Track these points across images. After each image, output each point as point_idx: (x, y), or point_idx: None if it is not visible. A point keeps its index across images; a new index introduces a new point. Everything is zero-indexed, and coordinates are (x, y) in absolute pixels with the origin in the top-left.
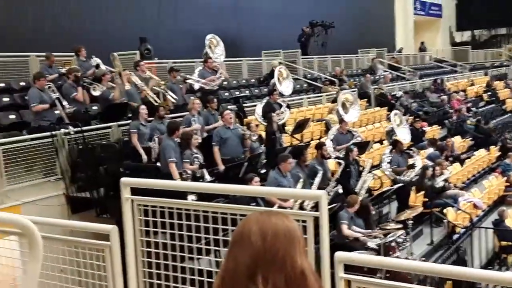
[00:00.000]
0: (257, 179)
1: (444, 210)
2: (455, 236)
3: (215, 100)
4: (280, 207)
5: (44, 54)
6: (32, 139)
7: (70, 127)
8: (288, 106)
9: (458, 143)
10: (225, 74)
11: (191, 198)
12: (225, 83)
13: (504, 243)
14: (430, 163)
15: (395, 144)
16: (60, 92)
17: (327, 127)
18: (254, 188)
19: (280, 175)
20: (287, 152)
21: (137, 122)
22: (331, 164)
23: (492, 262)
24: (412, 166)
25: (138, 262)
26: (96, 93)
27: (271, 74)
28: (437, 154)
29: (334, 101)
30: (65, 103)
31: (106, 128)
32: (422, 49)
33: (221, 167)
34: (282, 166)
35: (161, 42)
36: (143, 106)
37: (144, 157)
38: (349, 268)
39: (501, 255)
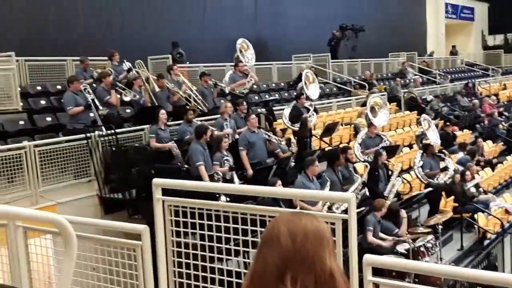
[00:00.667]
0: (279, 182)
1: (475, 216)
2: (486, 242)
3: (245, 103)
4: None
5: (79, 58)
6: (67, 141)
7: (104, 129)
8: (316, 110)
9: (490, 147)
10: (255, 77)
11: (223, 199)
12: (255, 86)
13: None
14: (460, 168)
15: (426, 147)
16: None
17: (356, 131)
18: (285, 190)
19: (307, 180)
20: (315, 156)
21: (155, 127)
22: (359, 167)
23: None
24: (446, 169)
25: (168, 261)
26: (127, 98)
27: (299, 78)
28: (468, 158)
29: (364, 104)
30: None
31: (139, 131)
32: (454, 52)
33: (250, 171)
34: (309, 170)
35: (193, 47)
36: (162, 111)
37: (175, 150)
38: (378, 272)
39: None
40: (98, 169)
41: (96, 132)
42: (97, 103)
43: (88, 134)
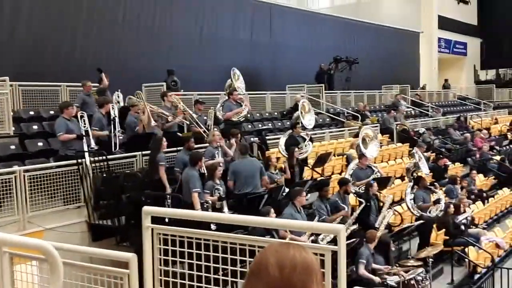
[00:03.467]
0: (273, 211)
1: (466, 249)
2: (477, 276)
3: (239, 134)
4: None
5: (74, 83)
6: (57, 167)
7: (96, 155)
8: (311, 140)
9: (481, 181)
10: (249, 106)
11: (212, 227)
12: (248, 115)
13: None
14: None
15: (419, 180)
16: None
17: (348, 162)
18: (274, 220)
19: (295, 211)
20: (307, 186)
21: (163, 154)
22: (351, 199)
23: None
24: (438, 201)
25: None
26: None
27: (294, 108)
28: (451, 187)
29: (356, 135)
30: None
31: (130, 158)
32: (446, 86)
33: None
34: (297, 201)
35: (188, 75)
36: (164, 139)
37: (169, 190)
38: None
39: None
40: (88, 195)
41: (87, 158)
42: (90, 135)
43: (79, 160)
